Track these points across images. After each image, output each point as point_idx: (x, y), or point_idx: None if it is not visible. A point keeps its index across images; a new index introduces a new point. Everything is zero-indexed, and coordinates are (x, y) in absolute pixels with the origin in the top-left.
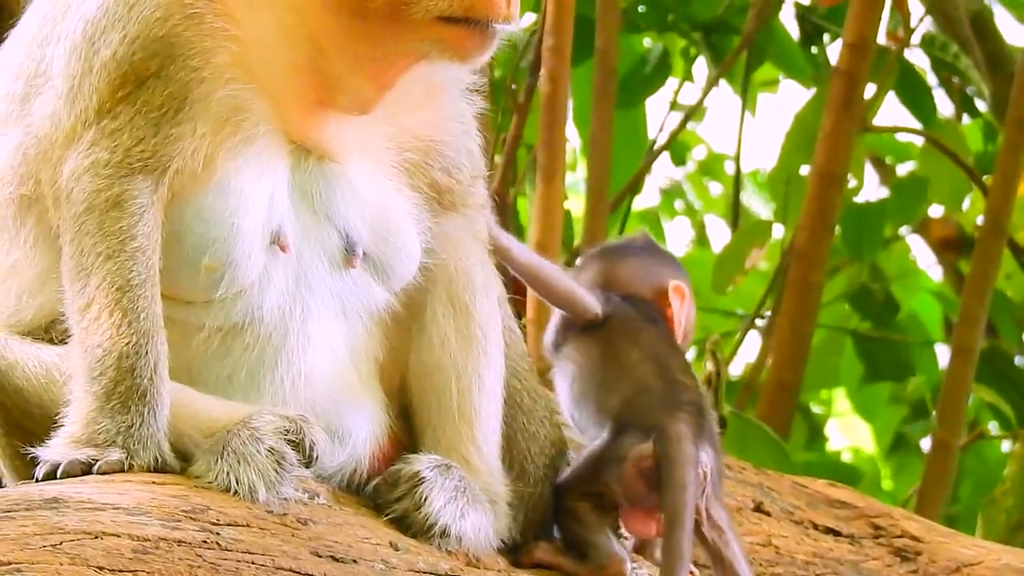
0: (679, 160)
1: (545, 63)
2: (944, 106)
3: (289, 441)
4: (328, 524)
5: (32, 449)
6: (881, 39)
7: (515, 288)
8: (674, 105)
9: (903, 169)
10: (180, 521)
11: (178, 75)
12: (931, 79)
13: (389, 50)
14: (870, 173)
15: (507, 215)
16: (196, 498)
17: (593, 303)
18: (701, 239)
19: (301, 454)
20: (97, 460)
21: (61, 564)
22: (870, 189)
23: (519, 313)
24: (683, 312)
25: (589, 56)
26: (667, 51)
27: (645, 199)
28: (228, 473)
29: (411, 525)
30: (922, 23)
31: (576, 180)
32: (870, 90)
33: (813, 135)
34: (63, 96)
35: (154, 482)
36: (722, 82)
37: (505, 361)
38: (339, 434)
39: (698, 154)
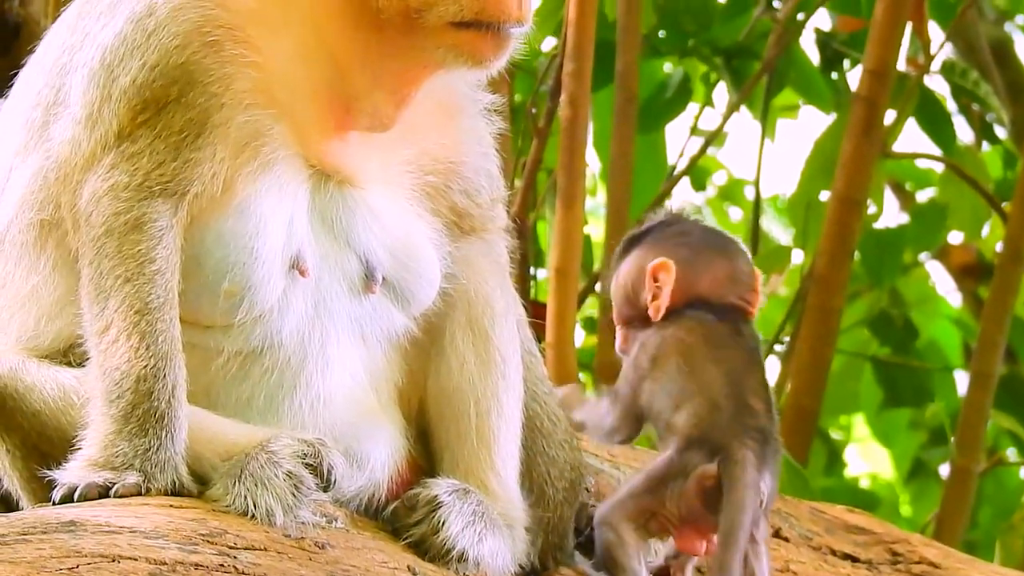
0: (699, 185)
1: (565, 88)
2: (964, 133)
3: (307, 465)
4: (346, 548)
5: (49, 472)
6: (901, 65)
7: (535, 312)
8: (694, 130)
9: (923, 195)
10: (197, 544)
11: (198, 100)
12: (951, 106)
13: (407, 61)
14: (890, 199)
15: (527, 239)
16: (213, 521)
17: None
18: None
19: (319, 478)
20: (114, 483)
21: None
22: (890, 215)
23: (539, 337)
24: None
25: (610, 81)
26: (688, 76)
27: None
28: (246, 497)
29: (429, 549)
30: (942, 50)
31: (596, 205)
32: (890, 116)
33: (833, 161)
34: (82, 121)
35: (171, 505)
36: (742, 108)
37: (525, 385)
38: (358, 458)
39: (718, 179)
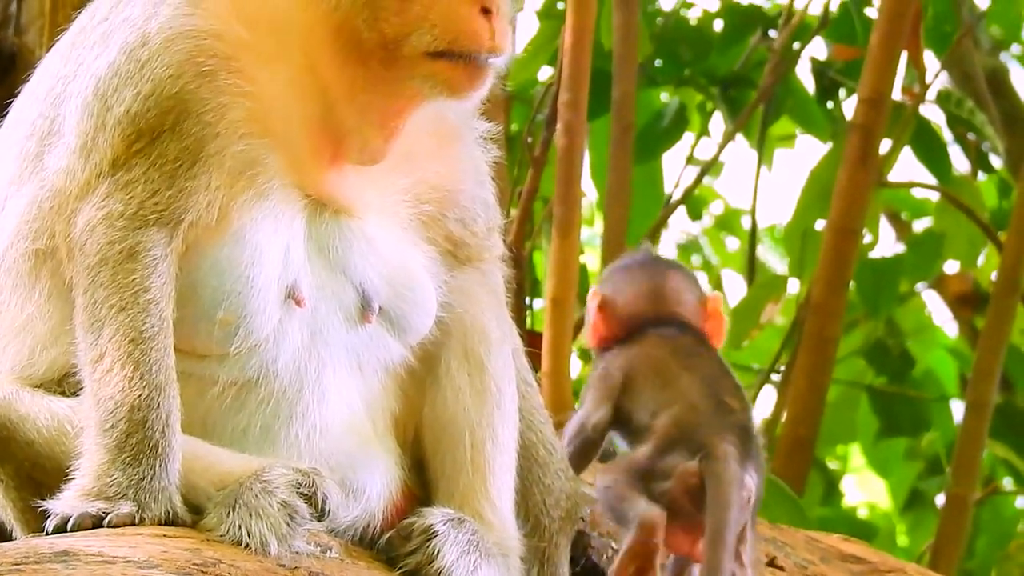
0: (695, 215)
1: (561, 116)
2: (960, 162)
3: (301, 494)
4: None
5: (43, 502)
6: (897, 94)
7: (531, 341)
8: (691, 159)
9: (919, 225)
10: (191, 574)
11: (192, 130)
12: (947, 135)
13: (390, 94)
14: (886, 228)
15: (523, 269)
16: (208, 551)
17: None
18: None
19: (313, 508)
20: (108, 513)
21: None
22: (886, 244)
23: (535, 366)
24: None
25: (606, 110)
26: (684, 105)
27: (662, 253)
28: (240, 526)
29: None
30: (938, 79)
31: (593, 234)
32: (886, 145)
33: (829, 190)
34: (76, 151)
35: (165, 535)
36: (739, 137)
37: (520, 414)
38: (353, 488)
39: (715, 209)
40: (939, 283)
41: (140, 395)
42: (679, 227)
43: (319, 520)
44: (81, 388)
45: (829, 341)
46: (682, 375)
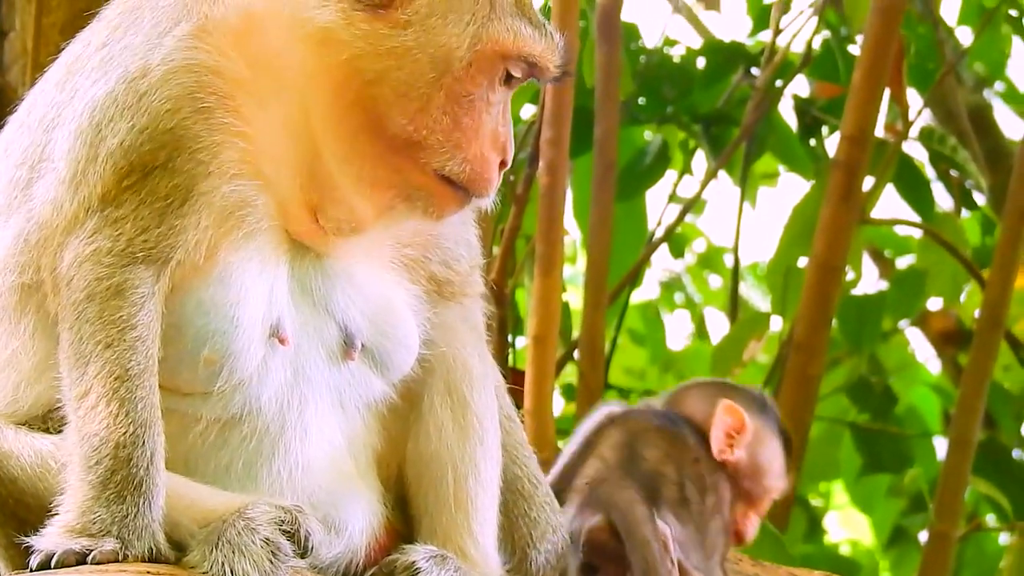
0: (678, 252)
1: (544, 154)
2: (942, 199)
3: (284, 532)
4: None
5: (26, 539)
6: (880, 132)
7: (513, 379)
8: (673, 197)
9: (902, 262)
10: None
11: (185, 167)
12: (929, 172)
13: (383, 177)
14: (870, 266)
15: (505, 306)
16: None
17: None
18: (701, 332)
19: (296, 545)
20: (92, 550)
21: None
22: (869, 282)
23: (517, 404)
24: (728, 427)
25: (588, 148)
26: (666, 143)
27: (644, 292)
28: (223, 563)
29: None
30: (920, 116)
31: (575, 272)
32: (869, 182)
33: (811, 227)
34: (66, 181)
35: (149, 572)
36: (722, 175)
37: (504, 449)
38: (335, 525)
39: (698, 247)
40: (922, 320)
41: (125, 432)
42: (662, 265)
43: (302, 557)
44: (65, 424)
45: (812, 378)
46: (611, 433)
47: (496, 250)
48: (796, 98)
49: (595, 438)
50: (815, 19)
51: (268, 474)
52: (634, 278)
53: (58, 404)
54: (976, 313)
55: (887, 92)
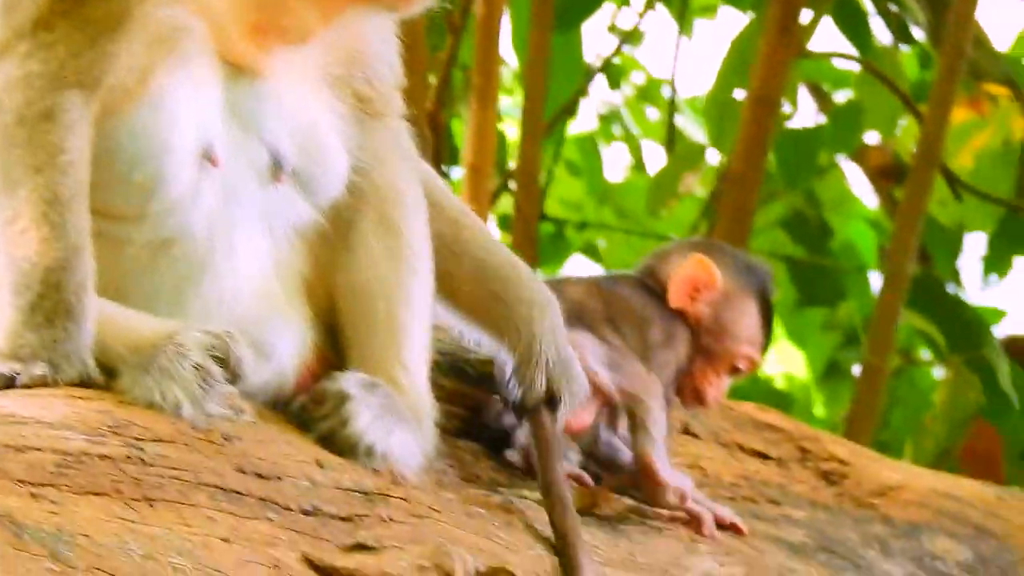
0: (615, 84)
1: None
2: (881, 33)
3: (215, 358)
4: (253, 441)
5: None
6: None
7: None
8: (612, 29)
9: (840, 97)
10: (104, 436)
11: None
12: (869, 7)
13: None
14: (808, 101)
15: (441, 136)
16: (121, 413)
17: None
18: (638, 164)
19: (227, 371)
20: (20, 374)
21: None
22: (808, 116)
23: None
24: (692, 279)
25: None
26: None
27: (582, 123)
28: (153, 389)
29: (337, 443)
30: None
31: (512, 103)
32: (807, 16)
33: (749, 60)
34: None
35: (78, 397)
36: (661, 7)
37: (477, 239)
38: (264, 350)
39: (637, 79)
40: (859, 155)
41: (55, 257)
42: (600, 97)
43: (232, 383)
44: None
45: (747, 211)
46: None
47: (433, 80)
48: None
49: None
50: None
51: (197, 298)
52: (571, 109)
53: None
54: (913, 148)
55: None
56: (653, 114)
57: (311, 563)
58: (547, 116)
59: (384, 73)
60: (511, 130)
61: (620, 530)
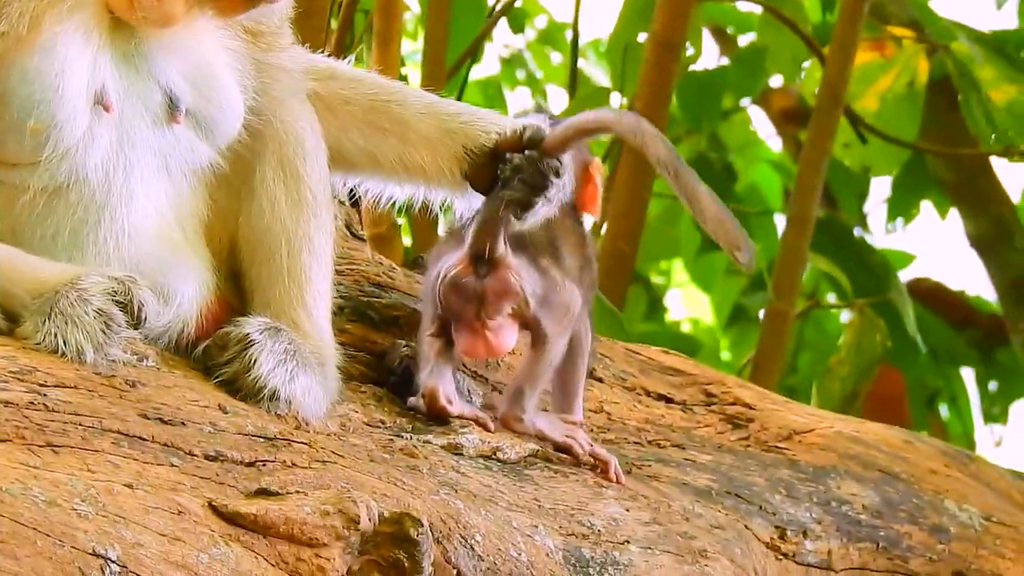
0: (518, 28)
1: None
2: None
3: (117, 302)
4: (156, 386)
5: None
6: None
7: None
8: None
9: (744, 40)
10: (7, 382)
11: None
12: None
13: None
14: (711, 44)
15: None
16: (23, 359)
17: None
18: (542, 109)
19: (129, 315)
20: None
21: None
22: (710, 59)
23: None
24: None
25: None
26: None
27: (485, 68)
28: (56, 334)
29: (240, 388)
30: None
31: (414, 48)
32: None
33: (652, 3)
34: None
35: None
36: None
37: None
38: (165, 293)
39: (540, 23)
40: (763, 98)
41: None
42: (503, 41)
43: (135, 328)
44: None
45: None
46: None
47: (334, 24)
48: None
49: None
50: None
51: (95, 242)
52: (474, 54)
53: None
54: (816, 91)
55: None
56: (556, 58)
57: (215, 509)
58: (450, 60)
59: (276, 6)
60: (413, 74)
61: (525, 475)
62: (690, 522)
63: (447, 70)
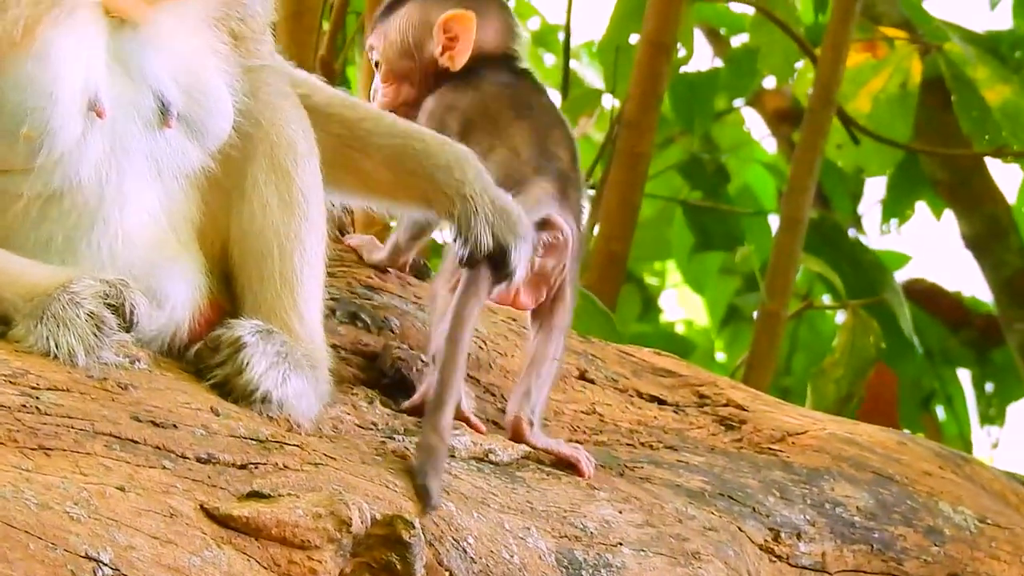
0: None
1: None
2: None
3: (109, 305)
4: (149, 389)
5: None
6: None
7: None
8: None
9: (737, 41)
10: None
11: None
12: None
13: None
14: (705, 45)
15: (335, 82)
16: (16, 362)
17: None
18: None
19: (121, 319)
20: None
21: None
22: (704, 60)
23: None
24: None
25: None
26: None
27: None
28: (48, 338)
29: (232, 391)
30: None
31: None
32: None
33: (643, 4)
34: None
35: None
36: None
37: (387, 126)
38: (158, 297)
39: (533, 25)
40: (757, 99)
41: None
42: None
43: (127, 331)
44: None
45: (642, 155)
46: (512, 123)
47: (326, 26)
48: None
49: (495, 114)
50: None
51: (88, 247)
52: None
53: None
54: (809, 92)
55: None
56: (549, 59)
57: (207, 511)
58: None
59: (257, 11)
60: None
61: (517, 477)
62: (683, 524)
63: None
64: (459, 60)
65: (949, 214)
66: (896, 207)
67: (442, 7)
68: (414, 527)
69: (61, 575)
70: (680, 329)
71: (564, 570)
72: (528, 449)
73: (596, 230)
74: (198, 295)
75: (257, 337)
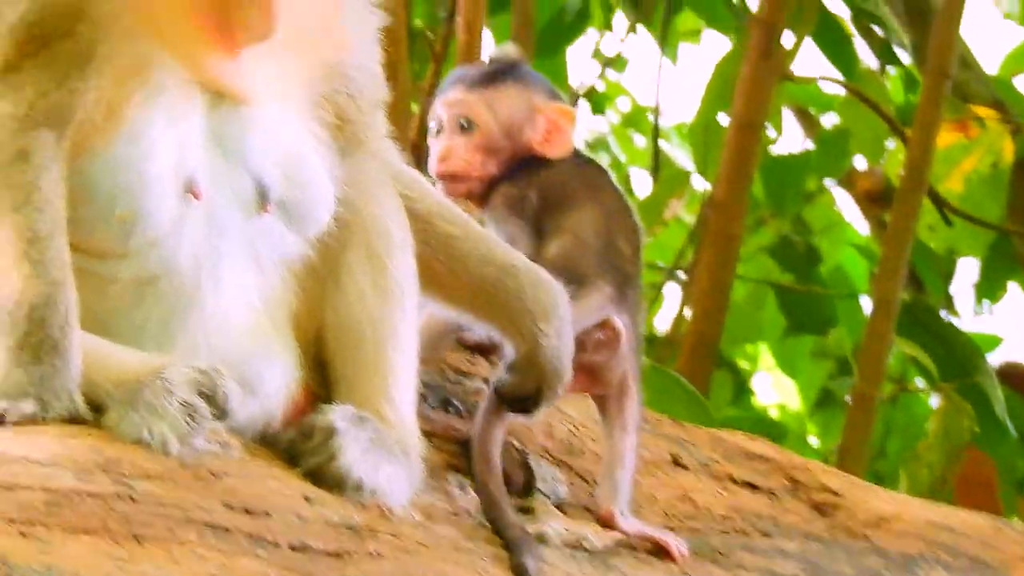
0: (599, 110)
1: (461, 11)
2: (866, 56)
3: (202, 393)
4: (241, 477)
5: None
6: None
7: None
8: (596, 55)
9: (828, 121)
10: (93, 473)
11: (84, 33)
12: (853, 29)
13: None
14: (796, 125)
15: (424, 165)
16: (109, 450)
17: None
18: (626, 191)
19: (214, 407)
20: (9, 411)
21: None
22: (794, 141)
23: None
24: None
25: (507, 5)
26: (587, 0)
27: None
28: (140, 426)
29: (325, 477)
30: None
31: None
32: (790, 40)
33: (733, 85)
34: None
35: (67, 434)
36: (645, 33)
37: (468, 237)
38: (251, 385)
39: (623, 106)
40: (849, 180)
41: (38, 293)
42: (588, 125)
43: (219, 419)
44: None
45: (732, 238)
46: (585, 205)
47: (415, 108)
48: None
49: (570, 195)
50: None
51: (183, 333)
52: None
53: None
54: (900, 172)
55: None
56: (640, 141)
57: None
58: None
59: (367, 87)
60: None
61: (611, 564)
62: None
63: None
64: (559, 150)
65: None
66: (988, 288)
67: (542, 95)
68: None
69: None
70: (773, 413)
71: None
72: (620, 536)
73: (688, 313)
74: (292, 382)
75: (350, 423)
